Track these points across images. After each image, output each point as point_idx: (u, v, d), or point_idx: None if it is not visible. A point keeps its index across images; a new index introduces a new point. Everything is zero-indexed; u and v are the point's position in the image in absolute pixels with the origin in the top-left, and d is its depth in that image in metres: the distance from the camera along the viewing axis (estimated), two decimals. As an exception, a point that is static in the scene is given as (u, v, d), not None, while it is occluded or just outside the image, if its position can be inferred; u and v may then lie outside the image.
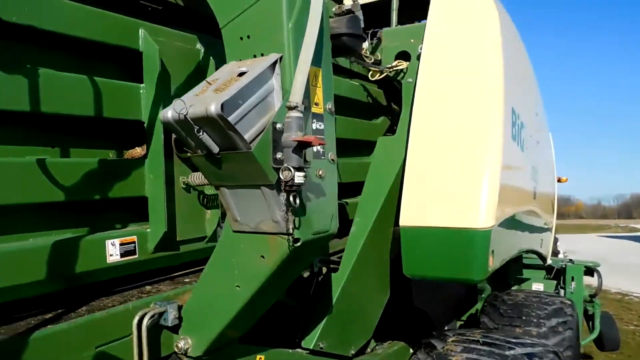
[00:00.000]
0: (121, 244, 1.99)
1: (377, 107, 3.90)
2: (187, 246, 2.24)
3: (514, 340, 3.02)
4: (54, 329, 1.70)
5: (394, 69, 3.61)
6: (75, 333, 1.74)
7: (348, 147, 3.62)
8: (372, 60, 3.68)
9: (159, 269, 2.27)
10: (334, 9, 2.20)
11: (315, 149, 1.86)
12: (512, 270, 6.03)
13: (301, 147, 1.62)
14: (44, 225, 1.82)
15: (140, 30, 2.06)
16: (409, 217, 3.05)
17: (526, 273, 6.36)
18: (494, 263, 3.00)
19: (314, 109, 1.87)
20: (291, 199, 1.62)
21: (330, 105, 1.96)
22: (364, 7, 5.19)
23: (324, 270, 3.01)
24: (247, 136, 1.62)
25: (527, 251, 4.48)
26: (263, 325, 2.89)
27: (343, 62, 3.51)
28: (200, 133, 1.56)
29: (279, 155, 1.63)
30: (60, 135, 1.93)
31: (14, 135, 1.77)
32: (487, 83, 3.10)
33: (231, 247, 1.93)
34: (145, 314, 1.91)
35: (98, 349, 1.80)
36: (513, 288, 5.96)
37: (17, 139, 1.79)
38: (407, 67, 3.63)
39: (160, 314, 1.97)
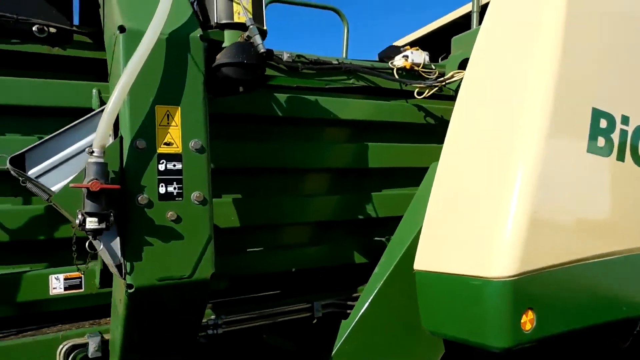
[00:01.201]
0: (65, 279, 2.27)
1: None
2: None
3: None
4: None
5: (448, 81, 3.09)
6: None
7: (401, 176, 3.23)
8: (436, 74, 3.24)
9: None
10: (239, 38, 2.08)
11: (164, 189, 1.80)
12: None
13: (97, 192, 1.60)
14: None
15: (93, 90, 2.35)
16: (423, 260, 2.52)
17: None
18: (539, 326, 2.21)
19: (164, 149, 1.81)
20: (87, 244, 1.62)
21: (194, 144, 1.85)
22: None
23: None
24: (65, 184, 1.70)
25: None
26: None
27: (389, 83, 3.16)
28: (26, 183, 1.72)
29: (89, 200, 1.65)
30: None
31: None
32: (528, 85, 2.37)
33: (115, 287, 2.01)
34: (67, 343, 2.13)
35: (23, 369, 2.10)
36: None
37: None
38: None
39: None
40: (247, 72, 1.96)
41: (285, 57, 2.75)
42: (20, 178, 1.73)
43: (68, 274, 2.29)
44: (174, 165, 1.83)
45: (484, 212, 2.29)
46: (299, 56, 2.84)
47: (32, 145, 1.74)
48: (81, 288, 2.30)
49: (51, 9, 2.27)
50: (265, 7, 4.20)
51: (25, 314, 2.28)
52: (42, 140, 1.74)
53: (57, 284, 2.26)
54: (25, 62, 2.25)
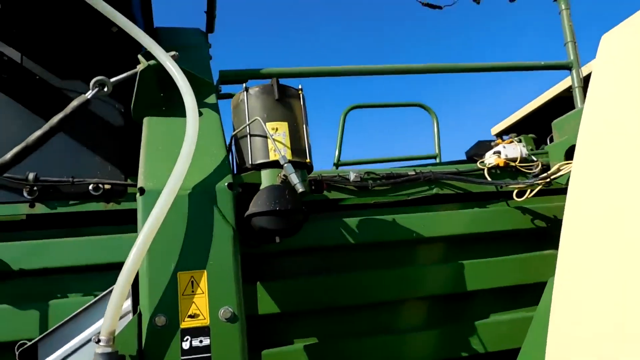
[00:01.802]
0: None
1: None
2: None
3: None
4: None
5: (553, 177, 2.55)
6: None
7: (512, 296, 2.64)
8: (538, 167, 2.73)
9: None
10: (277, 178, 1.83)
11: (190, 374, 1.52)
12: None
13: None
14: None
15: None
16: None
17: None
18: None
19: (189, 323, 1.56)
20: None
21: (223, 312, 1.58)
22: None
23: None
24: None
25: None
26: None
27: (481, 187, 2.70)
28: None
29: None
30: None
31: None
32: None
33: None
34: None
35: None
36: None
37: None
38: (575, 171, 2.50)
39: None
40: (282, 220, 1.69)
41: (352, 177, 2.47)
42: None
43: None
44: (200, 342, 1.57)
45: (618, 346, 1.66)
46: (367, 173, 2.54)
47: (44, 333, 1.61)
48: None
49: (106, 166, 2.27)
50: (346, 114, 4.06)
51: None
52: (54, 327, 1.61)
53: None
54: (82, 221, 2.24)
